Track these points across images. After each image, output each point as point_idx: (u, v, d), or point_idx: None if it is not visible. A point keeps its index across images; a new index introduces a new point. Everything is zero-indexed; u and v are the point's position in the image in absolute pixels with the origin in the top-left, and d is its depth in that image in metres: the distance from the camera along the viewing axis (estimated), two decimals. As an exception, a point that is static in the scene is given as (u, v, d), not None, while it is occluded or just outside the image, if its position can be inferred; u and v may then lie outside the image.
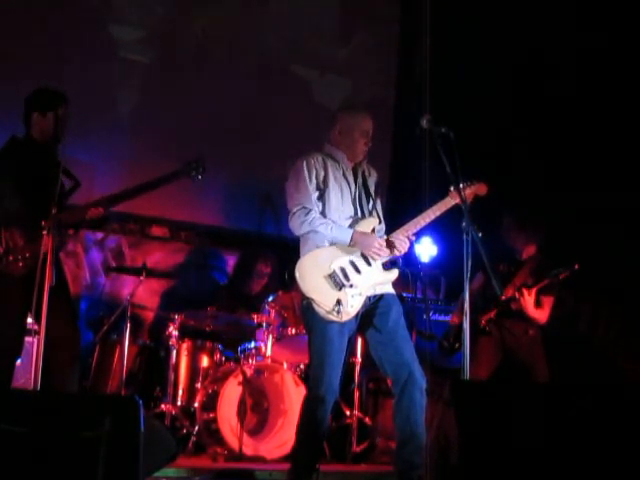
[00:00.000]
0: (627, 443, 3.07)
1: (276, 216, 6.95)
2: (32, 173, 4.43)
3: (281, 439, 5.12)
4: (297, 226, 4.10)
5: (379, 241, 4.05)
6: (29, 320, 4.46)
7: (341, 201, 4.16)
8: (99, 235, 6.42)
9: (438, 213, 4.13)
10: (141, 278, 5.56)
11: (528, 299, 4.87)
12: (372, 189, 4.30)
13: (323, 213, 4.12)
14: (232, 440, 4.99)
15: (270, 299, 5.58)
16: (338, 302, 3.97)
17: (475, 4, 6.94)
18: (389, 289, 4.20)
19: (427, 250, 6.61)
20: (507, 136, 6.57)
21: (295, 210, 4.09)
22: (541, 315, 4.96)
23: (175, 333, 5.42)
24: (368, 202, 4.25)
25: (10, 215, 4.35)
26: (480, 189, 4.20)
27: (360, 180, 4.27)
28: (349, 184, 4.21)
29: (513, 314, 5.00)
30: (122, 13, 6.58)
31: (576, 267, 4.86)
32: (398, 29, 7.62)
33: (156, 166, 6.25)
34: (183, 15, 6.80)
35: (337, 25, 7.38)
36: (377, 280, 4.12)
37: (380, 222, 4.26)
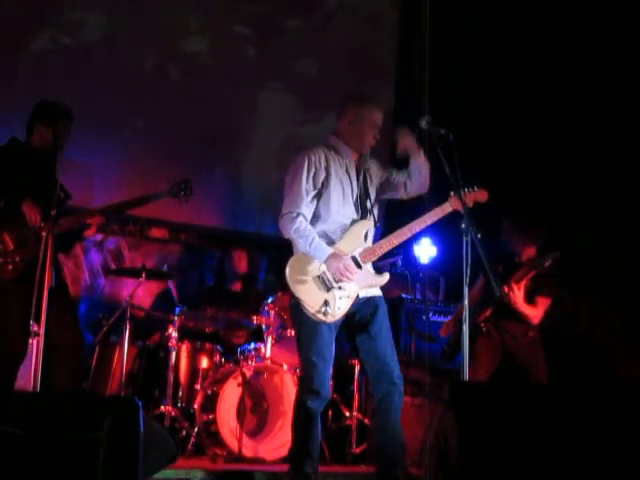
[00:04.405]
0: (626, 444, 3.07)
1: (275, 217, 6.95)
2: (28, 176, 4.45)
3: (280, 440, 5.11)
4: (283, 229, 4.11)
5: (345, 263, 4.00)
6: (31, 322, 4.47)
7: (342, 201, 4.14)
8: (98, 237, 6.42)
9: (435, 219, 4.12)
10: (140, 280, 5.56)
11: (517, 293, 4.88)
12: (373, 187, 4.28)
13: (320, 213, 4.11)
14: (232, 441, 4.99)
15: (269, 300, 5.59)
16: (325, 303, 3.99)
17: (476, 3, 6.94)
18: (377, 292, 4.20)
19: (426, 251, 6.62)
20: (507, 137, 6.57)
21: (284, 212, 4.09)
22: (533, 313, 4.97)
23: (174, 334, 5.42)
24: (368, 201, 4.23)
25: (1, 218, 4.37)
26: (480, 196, 4.19)
27: (362, 177, 4.24)
28: (351, 182, 4.18)
29: (512, 315, 5.00)
30: (124, 20, 6.58)
31: (558, 254, 4.88)
32: (397, 28, 7.62)
33: (155, 167, 6.29)
34: (184, 17, 6.80)
35: (336, 24, 7.38)
36: (366, 283, 4.12)
37: (375, 224, 4.24)
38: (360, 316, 4.13)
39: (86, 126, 5.64)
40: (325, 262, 4.01)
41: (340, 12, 7.37)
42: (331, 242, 4.10)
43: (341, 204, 4.14)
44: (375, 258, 4.16)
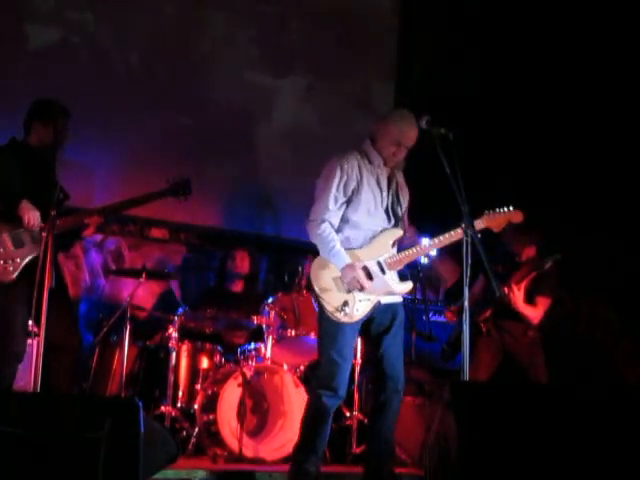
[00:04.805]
0: (625, 444, 3.08)
1: (275, 217, 6.96)
2: (28, 176, 4.46)
3: (281, 441, 5.11)
4: (309, 233, 4.14)
5: (357, 275, 4.00)
6: (29, 322, 4.47)
7: (373, 209, 4.15)
8: (98, 237, 6.42)
9: (456, 238, 4.04)
10: (141, 280, 5.56)
11: (517, 294, 4.89)
12: (402, 197, 4.28)
13: (349, 218, 4.12)
14: (232, 442, 4.99)
15: (270, 301, 5.59)
16: (345, 304, 4.02)
17: (476, 4, 6.94)
18: (398, 299, 4.22)
19: (426, 251, 6.60)
20: (507, 137, 6.58)
21: (311, 219, 4.11)
22: (533, 313, 4.97)
23: (175, 335, 5.42)
24: (399, 209, 4.24)
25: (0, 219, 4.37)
26: (515, 217, 4.12)
27: (394, 187, 4.25)
28: (381, 191, 4.19)
29: (512, 315, 5.01)
30: (125, 20, 6.58)
31: (559, 257, 4.89)
32: (397, 29, 7.62)
33: (155, 167, 6.28)
34: (186, 16, 6.80)
35: (336, 25, 7.38)
36: (388, 289, 4.13)
37: (405, 234, 4.23)
38: (379, 322, 4.15)
39: (86, 126, 5.66)
40: (341, 271, 4.04)
41: (341, 12, 7.36)
42: (356, 248, 4.11)
43: (372, 212, 4.15)
44: (401, 267, 4.17)
